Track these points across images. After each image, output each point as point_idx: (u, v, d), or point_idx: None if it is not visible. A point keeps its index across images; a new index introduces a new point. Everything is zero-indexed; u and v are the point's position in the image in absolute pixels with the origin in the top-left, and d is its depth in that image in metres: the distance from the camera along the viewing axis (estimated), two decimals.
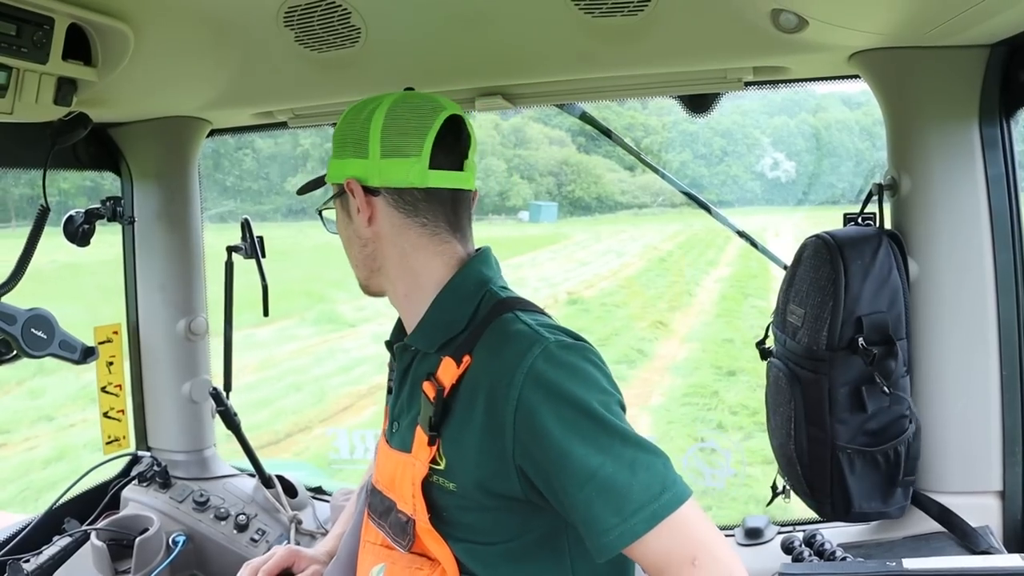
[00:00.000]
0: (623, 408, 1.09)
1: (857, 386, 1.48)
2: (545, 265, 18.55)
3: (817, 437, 1.52)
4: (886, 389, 1.45)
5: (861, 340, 1.45)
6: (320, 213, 1.32)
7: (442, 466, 1.12)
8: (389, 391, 1.37)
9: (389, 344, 1.34)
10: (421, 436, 1.14)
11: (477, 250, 1.27)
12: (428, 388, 1.14)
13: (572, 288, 15.02)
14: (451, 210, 1.22)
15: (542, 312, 1.19)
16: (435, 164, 1.18)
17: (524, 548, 1.13)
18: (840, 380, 1.48)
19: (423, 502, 1.13)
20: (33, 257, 1.64)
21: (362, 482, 1.62)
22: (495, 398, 1.06)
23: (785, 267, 1.72)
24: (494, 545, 1.13)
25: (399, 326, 1.33)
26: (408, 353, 1.25)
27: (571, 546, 1.14)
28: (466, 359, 1.11)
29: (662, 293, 13.96)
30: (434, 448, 1.12)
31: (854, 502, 1.51)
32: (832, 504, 1.53)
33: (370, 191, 1.20)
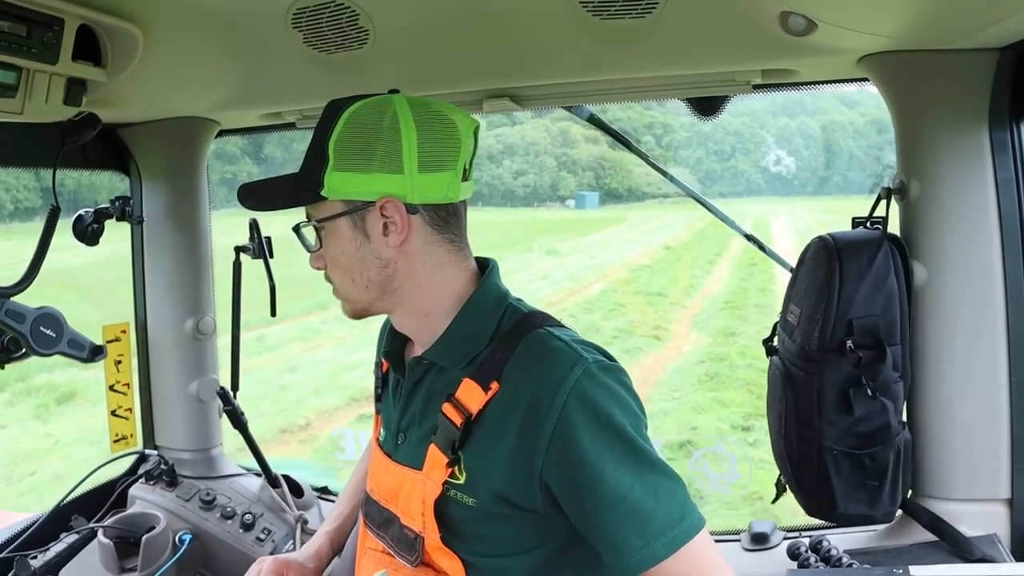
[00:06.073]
0: (646, 430, 1.10)
1: (845, 388, 1.48)
2: (629, 233, 28.30)
3: (806, 436, 1.52)
4: (868, 392, 1.45)
5: (849, 342, 1.45)
6: (301, 228, 1.19)
7: (462, 480, 1.11)
8: (378, 399, 1.35)
9: (388, 355, 1.29)
10: (437, 456, 1.12)
11: (484, 260, 1.24)
12: (451, 411, 1.11)
13: (660, 242, 24.61)
14: (464, 222, 1.20)
15: (566, 327, 1.18)
16: (463, 177, 1.16)
17: (538, 560, 1.13)
18: (830, 381, 1.49)
19: (434, 521, 1.12)
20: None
21: (350, 482, 1.61)
22: (535, 414, 1.05)
23: (791, 269, 1.71)
24: (509, 557, 1.12)
25: (393, 335, 1.28)
26: (420, 367, 1.21)
27: (580, 560, 1.14)
28: (494, 385, 1.09)
29: (711, 246, 21.85)
30: (453, 467, 1.11)
31: (838, 503, 1.51)
32: (818, 503, 1.54)
33: (409, 209, 1.12)
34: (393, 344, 1.28)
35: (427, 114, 1.12)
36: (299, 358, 11.34)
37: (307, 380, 10.30)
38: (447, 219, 1.16)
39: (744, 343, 11.68)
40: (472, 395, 1.10)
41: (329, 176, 1.12)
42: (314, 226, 1.17)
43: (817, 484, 1.52)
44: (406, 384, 1.23)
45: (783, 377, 1.57)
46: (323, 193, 1.12)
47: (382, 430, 1.30)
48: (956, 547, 1.46)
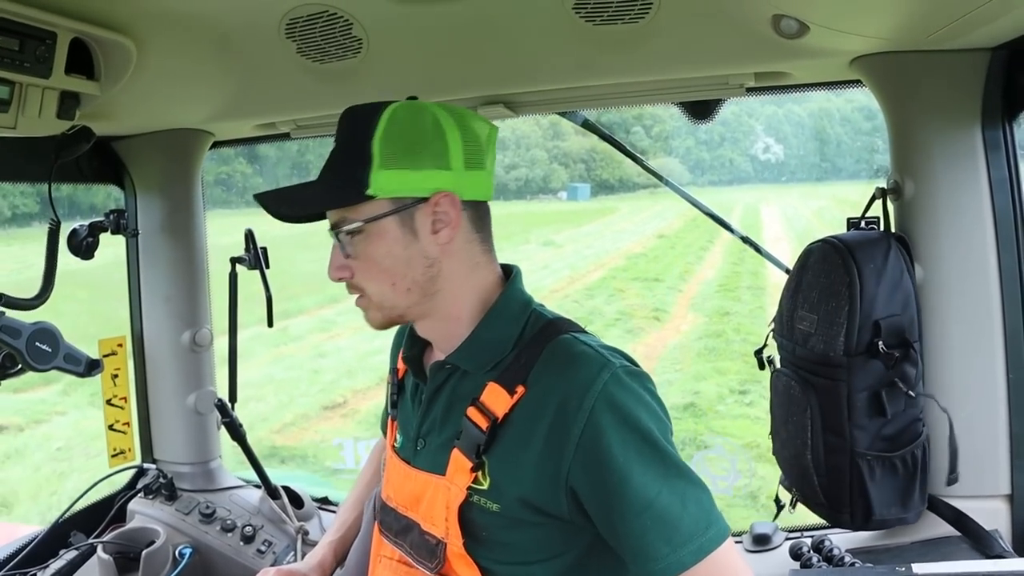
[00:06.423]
0: (672, 436, 1.10)
1: (877, 391, 1.46)
2: (622, 223, 29.17)
3: (835, 445, 1.50)
4: (911, 392, 1.44)
5: (881, 344, 1.44)
6: (339, 233, 1.12)
7: (485, 486, 1.10)
8: (393, 404, 1.34)
9: (408, 359, 1.27)
10: (461, 460, 1.11)
11: (507, 266, 1.24)
12: (476, 415, 1.10)
13: (653, 232, 25.58)
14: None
15: (590, 333, 1.18)
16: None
17: (560, 567, 1.12)
18: (859, 386, 1.47)
19: (458, 527, 1.11)
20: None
21: (353, 492, 1.60)
22: (563, 418, 1.05)
23: (787, 271, 1.71)
24: (531, 564, 1.12)
25: (412, 340, 1.26)
26: (443, 372, 1.19)
27: (602, 568, 1.14)
28: (520, 389, 1.09)
29: (703, 234, 22.22)
30: (476, 472, 1.10)
31: (875, 510, 1.48)
32: (851, 513, 1.50)
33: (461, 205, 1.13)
34: (412, 349, 1.27)
35: (459, 117, 1.14)
36: (324, 345, 11.87)
37: (337, 364, 10.82)
38: (483, 218, 1.18)
39: (739, 321, 12.60)
40: (498, 399, 1.10)
41: (376, 175, 1.09)
42: (351, 230, 1.11)
43: (851, 493, 1.49)
44: (427, 389, 1.22)
45: (802, 387, 1.54)
46: (370, 192, 1.09)
47: (398, 436, 1.28)
48: (979, 543, 1.46)
